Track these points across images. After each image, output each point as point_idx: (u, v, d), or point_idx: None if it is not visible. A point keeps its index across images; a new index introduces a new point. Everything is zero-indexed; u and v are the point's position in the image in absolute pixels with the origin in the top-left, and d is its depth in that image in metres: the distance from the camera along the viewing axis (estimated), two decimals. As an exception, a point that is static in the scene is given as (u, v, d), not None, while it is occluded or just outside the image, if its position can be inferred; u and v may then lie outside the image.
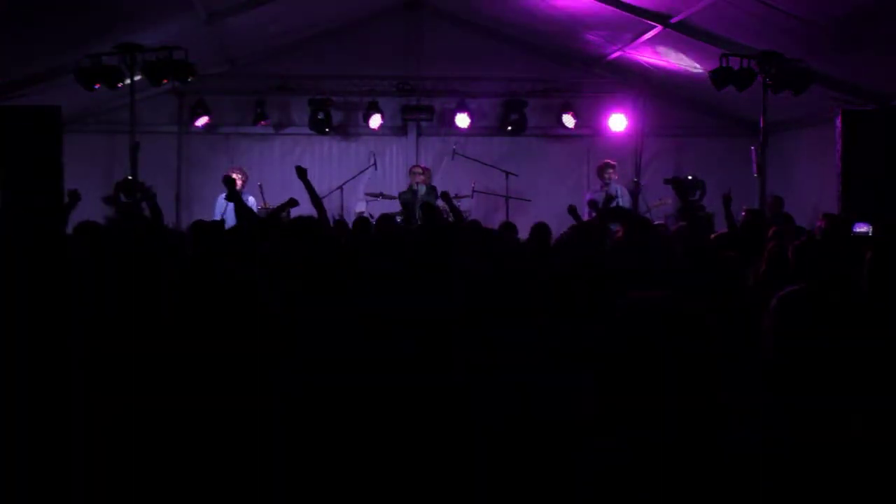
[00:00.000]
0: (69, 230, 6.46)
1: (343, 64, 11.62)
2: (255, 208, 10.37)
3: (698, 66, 9.65)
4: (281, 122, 11.90)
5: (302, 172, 6.30)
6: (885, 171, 9.10)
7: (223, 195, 10.30)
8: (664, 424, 2.15)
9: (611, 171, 10.88)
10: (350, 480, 3.09)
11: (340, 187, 11.09)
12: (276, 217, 6.24)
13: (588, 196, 10.70)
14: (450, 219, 7.28)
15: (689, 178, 11.43)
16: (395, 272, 3.84)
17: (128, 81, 8.68)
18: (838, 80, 9.18)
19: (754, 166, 9.88)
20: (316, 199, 6.03)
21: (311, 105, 11.53)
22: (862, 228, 8.07)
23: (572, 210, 7.35)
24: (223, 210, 10.13)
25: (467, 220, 9.29)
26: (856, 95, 9.36)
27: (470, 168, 11.65)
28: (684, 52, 9.71)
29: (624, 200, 10.65)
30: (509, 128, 11.78)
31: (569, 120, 11.81)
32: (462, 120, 11.64)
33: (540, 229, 6.81)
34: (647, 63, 10.62)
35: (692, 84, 10.74)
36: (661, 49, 9.85)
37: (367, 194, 11.40)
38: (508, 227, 7.48)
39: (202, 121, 11.36)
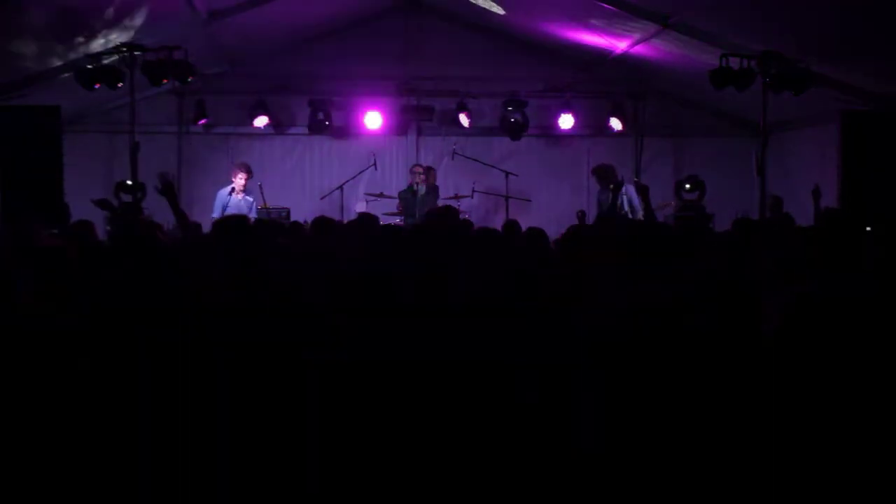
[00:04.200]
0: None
1: (343, 64, 11.62)
2: (254, 208, 10.39)
3: None
4: (281, 122, 11.90)
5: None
6: (885, 171, 9.11)
7: (222, 189, 10.33)
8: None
9: (604, 181, 10.70)
10: None
11: (340, 187, 11.09)
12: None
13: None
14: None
15: (688, 178, 11.45)
16: None
17: (128, 82, 8.68)
18: (838, 80, 9.18)
19: (754, 166, 9.87)
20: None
21: (311, 105, 11.53)
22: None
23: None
24: (224, 205, 10.14)
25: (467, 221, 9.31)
26: (856, 95, 9.36)
27: (470, 168, 11.66)
28: (684, 52, 9.69)
29: (633, 199, 10.51)
30: (509, 128, 11.76)
31: (568, 120, 11.80)
32: (462, 120, 11.64)
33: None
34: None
35: (692, 84, 10.73)
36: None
37: (366, 194, 11.40)
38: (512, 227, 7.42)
39: (202, 121, 11.36)
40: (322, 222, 5.40)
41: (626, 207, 10.04)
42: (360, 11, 11.48)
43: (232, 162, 11.14)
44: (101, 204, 7.77)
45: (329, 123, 11.61)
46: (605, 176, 10.47)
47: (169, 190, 5.30)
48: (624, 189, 10.58)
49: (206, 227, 6.72)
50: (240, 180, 10.25)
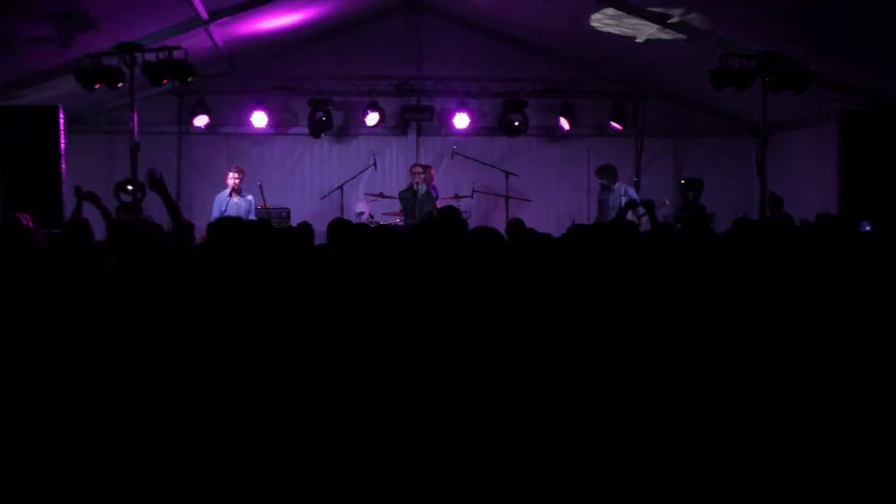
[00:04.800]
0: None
1: (343, 64, 11.62)
2: (254, 207, 10.38)
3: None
4: (281, 122, 11.90)
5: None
6: (885, 171, 9.11)
7: (220, 193, 10.33)
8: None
9: (606, 179, 10.73)
10: None
11: (340, 187, 11.08)
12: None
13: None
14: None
15: (686, 178, 11.47)
16: None
17: (128, 82, 8.66)
18: (838, 80, 9.18)
19: (754, 166, 9.87)
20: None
21: (311, 105, 11.53)
22: (866, 228, 8.13)
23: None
24: (223, 208, 10.13)
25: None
26: (856, 95, 9.36)
27: (470, 168, 11.65)
28: (685, 52, 9.70)
29: (632, 195, 10.54)
30: (510, 126, 11.76)
31: (565, 122, 11.80)
32: (462, 120, 11.64)
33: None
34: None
35: (692, 84, 10.74)
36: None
37: (366, 194, 11.40)
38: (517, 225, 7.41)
39: (202, 121, 11.36)
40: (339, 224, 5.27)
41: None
42: (360, 11, 11.47)
43: (231, 162, 11.14)
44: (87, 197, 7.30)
45: (329, 123, 11.61)
46: (614, 176, 10.59)
47: (158, 185, 5.25)
48: (623, 190, 10.64)
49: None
50: (231, 179, 10.26)
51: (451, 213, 6.70)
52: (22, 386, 3.20)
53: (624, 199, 10.36)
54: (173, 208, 5.18)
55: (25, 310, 3.41)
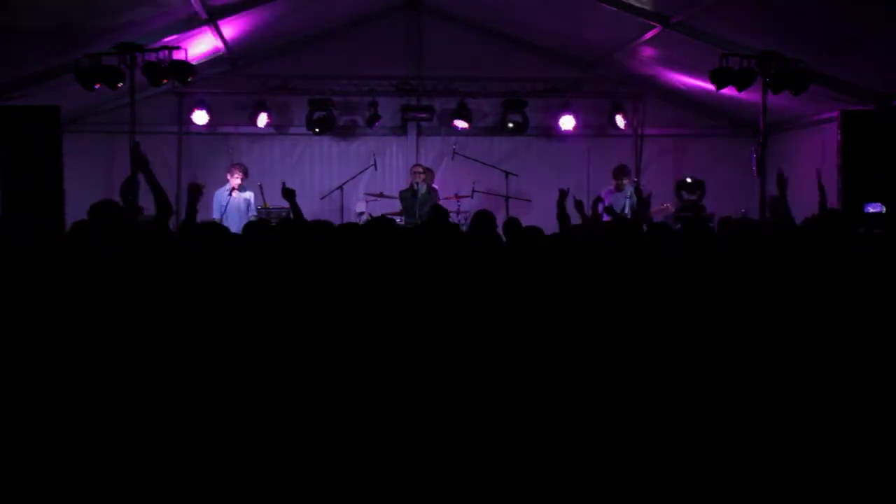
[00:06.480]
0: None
1: (343, 64, 11.62)
2: (252, 205, 10.36)
3: None
4: (281, 122, 11.90)
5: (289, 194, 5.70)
6: (885, 171, 9.11)
7: (219, 191, 10.29)
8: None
9: (627, 180, 10.70)
10: None
11: (340, 187, 11.08)
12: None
13: (604, 197, 10.66)
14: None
15: (689, 179, 11.47)
16: None
17: (128, 82, 8.67)
18: (838, 80, 9.18)
19: (754, 166, 9.87)
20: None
21: (311, 105, 11.52)
22: (875, 209, 8.13)
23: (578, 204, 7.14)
24: (224, 205, 10.11)
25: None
26: (856, 95, 9.36)
27: (470, 168, 11.65)
28: (685, 52, 9.70)
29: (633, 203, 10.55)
30: (510, 126, 11.76)
31: (567, 121, 11.79)
32: (459, 124, 11.63)
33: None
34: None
35: (692, 84, 10.75)
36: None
37: (367, 194, 11.40)
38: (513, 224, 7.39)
39: (201, 117, 11.28)
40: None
41: (628, 210, 10.08)
42: (360, 11, 11.48)
43: (232, 162, 11.14)
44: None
45: (329, 123, 11.61)
46: (629, 177, 10.60)
47: (143, 164, 5.24)
48: (629, 192, 10.62)
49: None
50: (236, 179, 10.24)
51: (443, 213, 6.73)
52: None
53: (627, 202, 10.36)
54: (158, 192, 5.14)
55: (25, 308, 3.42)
